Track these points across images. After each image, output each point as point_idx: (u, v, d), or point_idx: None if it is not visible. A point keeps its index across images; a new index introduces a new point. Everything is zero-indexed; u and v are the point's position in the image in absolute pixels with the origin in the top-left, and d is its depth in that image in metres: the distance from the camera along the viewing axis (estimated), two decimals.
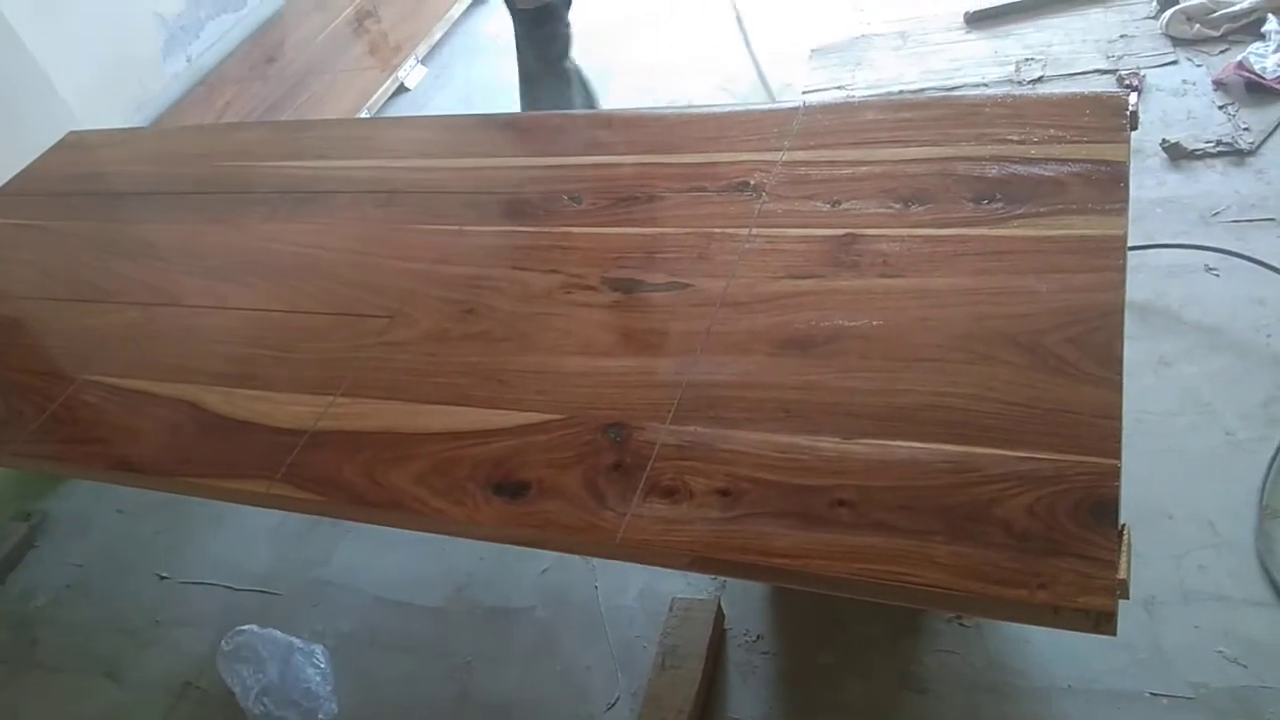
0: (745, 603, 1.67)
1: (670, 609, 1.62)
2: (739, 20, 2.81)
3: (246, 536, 2.04)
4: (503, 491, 1.16)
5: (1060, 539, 0.96)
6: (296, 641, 1.76)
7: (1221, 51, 2.52)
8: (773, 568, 1.03)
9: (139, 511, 2.18)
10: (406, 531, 1.26)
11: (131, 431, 1.43)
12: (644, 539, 1.07)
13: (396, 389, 1.35)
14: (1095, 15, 2.80)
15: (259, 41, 3.99)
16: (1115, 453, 1.02)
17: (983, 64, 2.74)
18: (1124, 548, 0.94)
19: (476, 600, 1.80)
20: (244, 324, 1.56)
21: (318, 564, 1.95)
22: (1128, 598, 0.91)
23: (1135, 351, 1.81)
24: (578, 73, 2.54)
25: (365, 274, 1.59)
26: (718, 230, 1.46)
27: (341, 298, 1.55)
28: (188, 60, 3.81)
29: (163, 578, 2.03)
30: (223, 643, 1.76)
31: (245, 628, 1.77)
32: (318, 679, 1.72)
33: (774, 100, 2.80)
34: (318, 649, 1.76)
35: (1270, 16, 2.51)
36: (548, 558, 1.79)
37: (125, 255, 1.83)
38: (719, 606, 1.62)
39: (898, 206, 1.40)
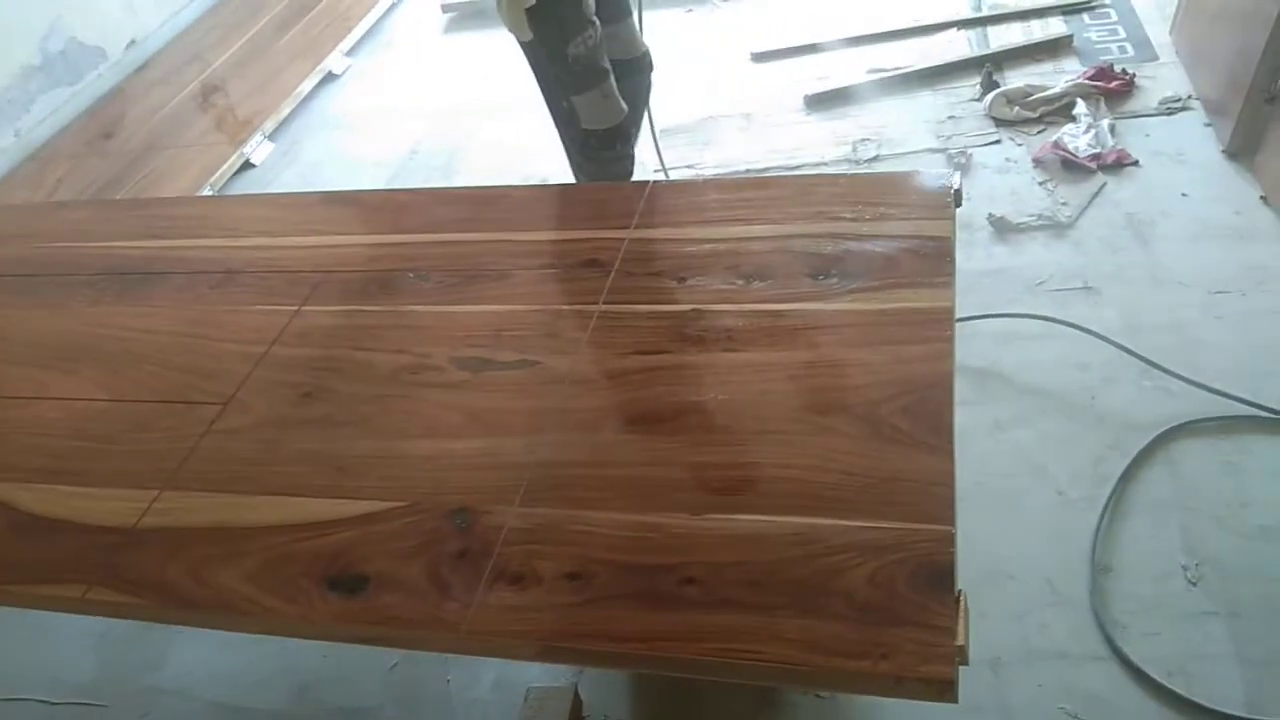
0: (604, 686, 1.63)
1: (525, 699, 1.57)
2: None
3: (68, 643, 1.88)
4: (339, 587, 1.10)
5: (900, 608, 0.97)
6: None
7: (1039, 131, 2.70)
8: (622, 654, 1.01)
9: None
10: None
11: None
12: (490, 630, 1.04)
13: (228, 481, 1.28)
14: (925, 98, 2.97)
15: (96, 116, 3.82)
16: (949, 519, 1.05)
17: (823, 144, 2.87)
18: (961, 614, 0.96)
19: (321, 701, 1.70)
20: (64, 415, 1.46)
21: (148, 669, 1.81)
22: (967, 663, 0.93)
23: (970, 416, 1.89)
24: None
25: (197, 358, 1.51)
26: (566, 307, 1.46)
27: (171, 384, 1.47)
28: (16, 134, 3.62)
29: None
30: None
31: None
32: None
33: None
34: None
35: (1079, 100, 2.72)
36: (396, 652, 1.72)
37: None
38: (575, 693, 1.58)
39: (740, 282, 1.43)
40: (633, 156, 2.27)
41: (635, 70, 2.30)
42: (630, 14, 2.22)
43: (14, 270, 1.84)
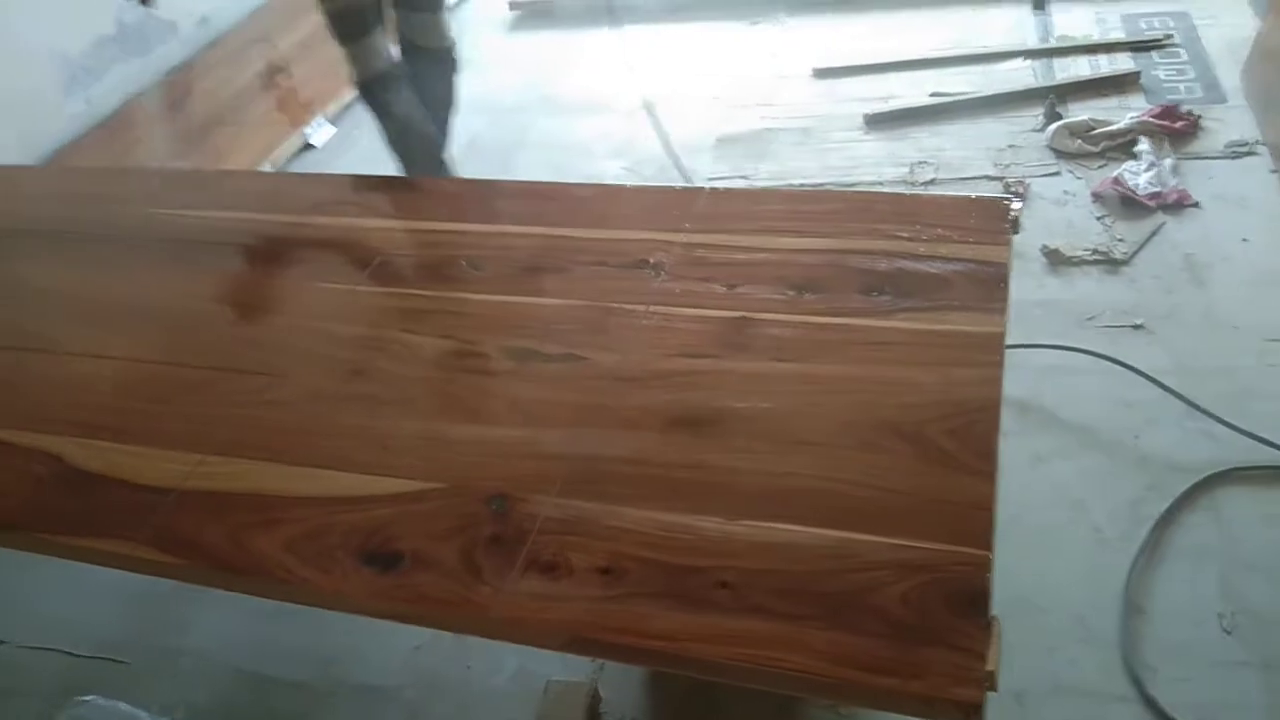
0: (623, 685, 1.63)
1: (544, 691, 1.58)
2: (650, 111, 2.87)
3: (98, 599, 1.92)
4: (374, 562, 1.11)
5: (932, 629, 0.96)
6: (143, 715, 1.65)
7: (1100, 166, 2.68)
8: (649, 650, 1.01)
9: None
10: (273, 601, 1.20)
11: None
12: (520, 616, 1.05)
13: (272, 450, 1.30)
14: (986, 125, 2.96)
15: (165, 89, 3.89)
16: (988, 544, 1.04)
17: (879, 164, 2.86)
18: (994, 639, 0.96)
19: (343, 677, 1.72)
20: (119, 374, 1.49)
21: (174, 631, 1.84)
22: (996, 690, 0.92)
23: (1011, 447, 1.86)
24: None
25: (251, 329, 1.54)
26: (615, 305, 1.47)
27: (224, 352, 1.49)
28: (87, 102, 3.69)
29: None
30: (59, 714, 1.64)
31: (87, 698, 1.66)
32: None
33: (689, 183, 2.84)
34: None
35: (1142, 138, 2.69)
36: (421, 634, 1.73)
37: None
38: (595, 689, 1.58)
39: (791, 293, 1.43)
40: (403, 120, 2.43)
41: (435, 60, 2.56)
42: (438, 10, 2.49)
43: (81, 230, 1.88)
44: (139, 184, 2.10)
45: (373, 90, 2.39)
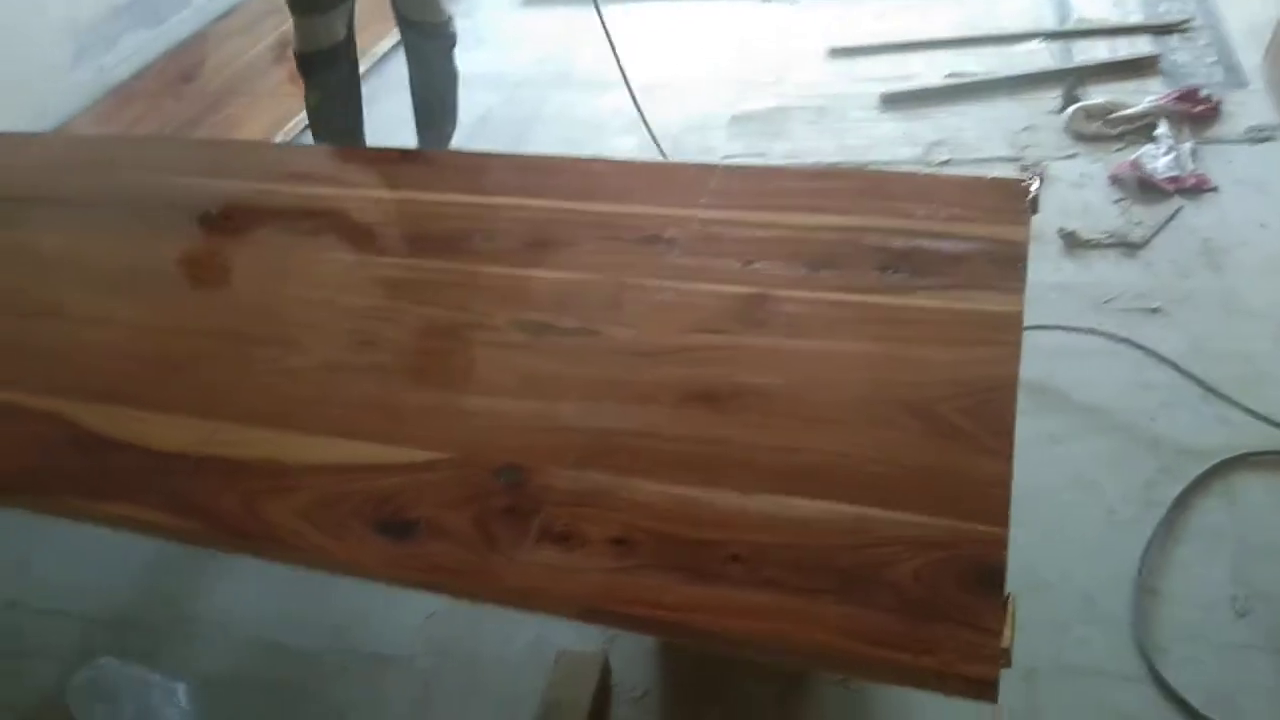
0: (634, 657, 1.64)
1: (556, 661, 1.58)
2: (626, 81, 2.84)
3: (112, 564, 1.93)
4: (388, 530, 1.12)
5: (946, 605, 0.96)
6: (157, 678, 1.66)
7: (1118, 150, 2.65)
8: (662, 621, 1.01)
9: None
10: (286, 569, 1.20)
11: None
12: (533, 585, 1.04)
13: (285, 418, 1.30)
14: (1003, 106, 2.93)
15: (176, 59, 3.89)
16: (1003, 521, 1.03)
17: (895, 144, 2.84)
18: (1009, 617, 0.95)
19: (355, 645, 1.73)
20: (130, 340, 1.49)
21: (188, 598, 1.85)
22: (1010, 666, 0.92)
23: (1025, 428, 1.84)
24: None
25: (263, 298, 1.53)
26: (630, 280, 1.46)
27: (236, 320, 1.49)
28: (98, 71, 3.69)
29: (13, 604, 1.91)
30: (75, 677, 1.65)
31: (101, 661, 1.67)
32: (177, 719, 1.62)
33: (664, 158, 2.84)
34: (180, 687, 1.66)
35: (1161, 122, 2.67)
36: (433, 604, 1.73)
37: (8, 261, 1.73)
38: (606, 660, 1.59)
39: (806, 270, 1.42)
40: (336, 98, 2.45)
41: (425, 34, 2.54)
42: None
43: (92, 197, 1.87)
44: (150, 152, 2.09)
45: (311, 65, 2.38)
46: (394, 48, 3.63)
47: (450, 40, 2.60)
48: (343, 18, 2.35)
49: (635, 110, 2.79)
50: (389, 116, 3.21)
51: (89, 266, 1.68)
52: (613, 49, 2.70)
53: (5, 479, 1.30)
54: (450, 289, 1.49)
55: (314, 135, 2.57)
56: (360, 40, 2.68)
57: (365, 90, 3.50)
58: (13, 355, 1.50)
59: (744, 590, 1.01)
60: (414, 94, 2.76)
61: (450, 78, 2.69)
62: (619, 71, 2.74)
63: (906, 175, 1.62)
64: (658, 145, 2.82)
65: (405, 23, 2.57)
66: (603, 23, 2.63)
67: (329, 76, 2.40)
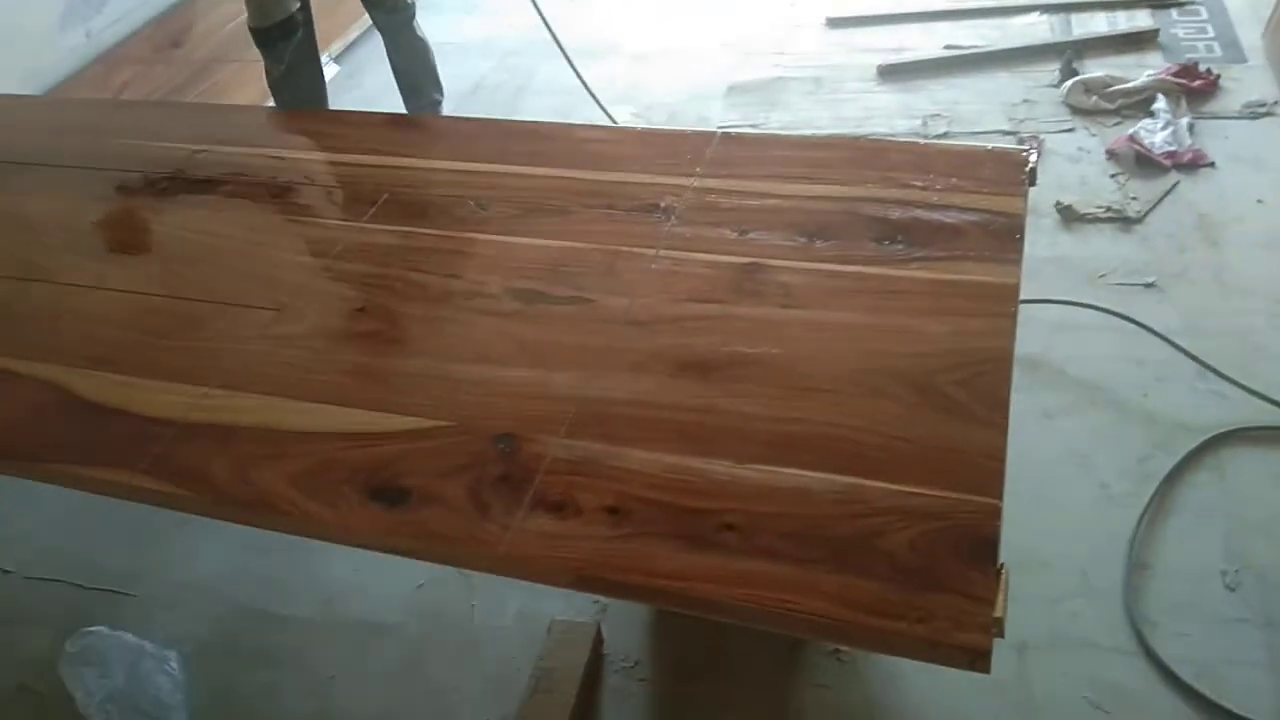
0: (626, 628, 1.64)
1: (549, 630, 1.58)
2: (559, 44, 2.83)
3: (105, 532, 1.92)
4: (381, 497, 1.11)
5: (940, 575, 0.96)
6: (148, 646, 1.66)
7: (1115, 124, 2.64)
8: (656, 589, 1.01)
9: None
10: (278, 536, 1.20)
11: None
12: (527, 553, 1.04)
13: (278, 384, 1.29)
14: (1001, 79, 2.91)
15: (164, 24, 3.83)
16: (997, 493, 1.03)
17: (892, 115, 2.82)
18: (1001, 587, 0.95)
19: (346, 613, 1.73)
20: (120, 307, 1.48)
21: (180, 565, 1.85)
22: (1003, 636, 0.92)
23: (1019, 402, 1.83)
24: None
25: (254, 264, 1.52)
26: (624, 249, 1.45)
27: (227, 286, 1.48)
28: (86, 35, 3.64)
29: (6, 572, 1.90)
30: (67, 644, 1.65)
31: (93, 629, 1.67)
32: (169, 686, 1.62)
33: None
34: (171, 655, 1.66)
35: (1159, 96, 2.65)
36: (423, 572, 1.73)
37: None
38: (598, 630, 1.59)
39: (802, 240, 1.41)
40: (297, 68, 2.41)
41: (381, 6, 2.58)
42: None
43: (79, 162, 1.85)
44: (139, 116, 2.07)
45: (268, 38, 2.36)
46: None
47: (409, 12, 2.63)
48: None
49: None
50: (380, 81, 3.18)
51: (79, 232, 1.67)
52: (540, 14, 2.76)
53: None
54: (443, 256, 1.48)
55: (279, 107, 2.55)
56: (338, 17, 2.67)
57: (356, 57, 3.47)
58: (4, 320, 1.49)
59: (738, 559, 1.00)
60: (393, 70, 2.79)
61: (419, 49, 2.72)
62: (553, 37, 2.79)
63: (904, 145, 1.60)
64: (606, 112, 2.83)
65: (365, 1, 2.62)
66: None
67: (285, 48, 2.39)
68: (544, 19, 2.75)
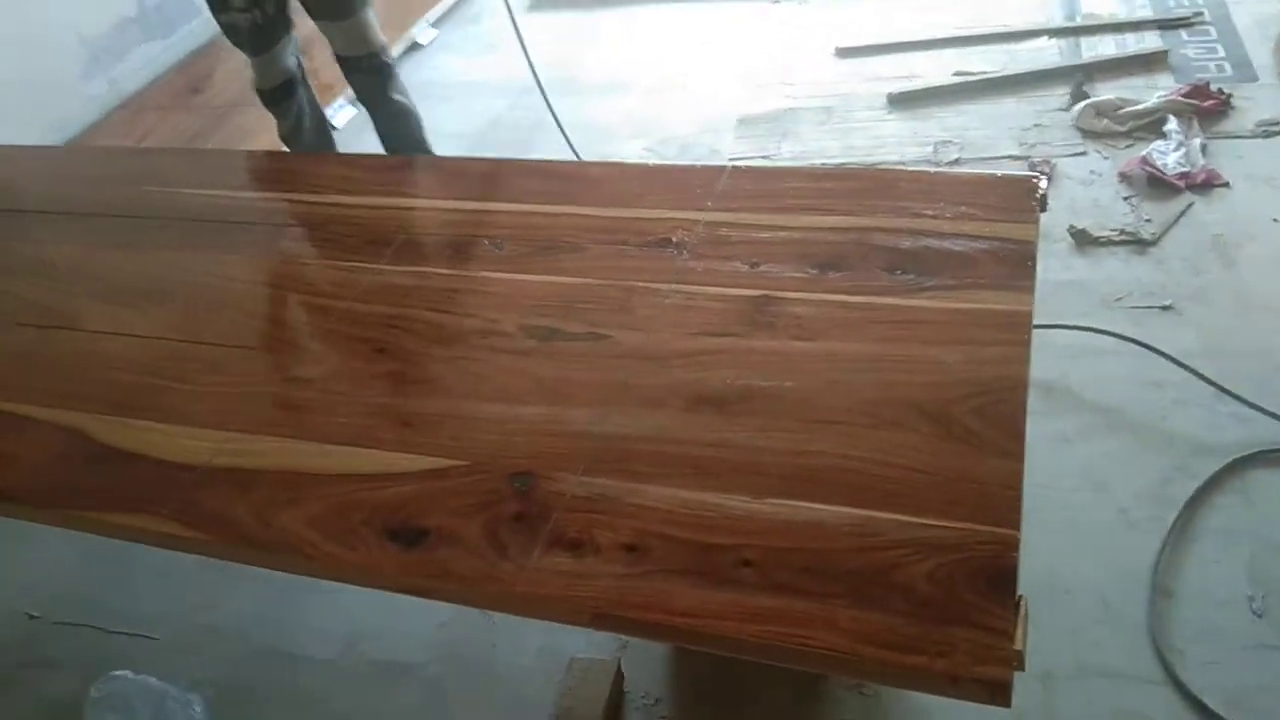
0: (647, 664, 1.63)
1: (569, 668, 1.58)
2: (538, 81, 2.81)
3: (128, 576, 1.94)
4: (399, 538, 1.12)
5: (959, 607, 0.96)
6: (172, 689, 1.66)
7: (1127, 146, 2.64)
8: (674, 627, 1.01)
9: (8, 543, 2.05)
10: (300, 578, 1.21)
11: (9, 458, 1.35)
12: (544, 592, 1.05)
13: (297, 427, 1.30)
14: (1010, 104, 2.92)
15: (186, 71, 3.91)
16: (1015, 523, 1.03)
17: (903, 143, 2.83)
18: (1021, 619, 0.95)
19: (367, 653, 1.73)
20: (142, 352, 1.50)
21: (203, 608, 1.86)
22: (1024, 669, 0.92)
23: (1036, 428, 1.83)
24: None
25: (274, 307, 1.54)
26: (638, 284, 1.46)
27: (247, 330, 1.50)
28: (109, 83, 3.71)
29: (32, 617, 1.92)
30: (92, 689, 1.66)
31: (118, 673, 1.67)
32: None
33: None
34: (195, 698, 1.66)
35: (1171, 117, 2.65)
36: (444, 612, 1.74)
37: (22, 274, 1.75)
38: (619, 667, 1.59)
39: (814, 272, 1.42)
40: (302, 130, 2.51)
41: (354, 68, 2.48)
42: (356, 13, 2.37)
43: (104, 210, 1.89)
44: (161, 164, 2.10)
45: (272, 98, 2.44)
46: None
47: (385, 73, 2.50)
48: (286, 50, 2.40)
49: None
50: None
51: (101, 279, 1.69)
52: (524, 49, 2.73)
53: (19, 491, 1.31)
54: (460, 295, 1.50)
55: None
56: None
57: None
58: (26, 367, 1.51)
59: (755, 595, 1.00)
60: (379, 137, 2.66)
61: (399, 114, 2.57)
62: (531, 72, 2.79)
63: (914, 174, 1.61)
64: (573, 148, 2.82)
65: (340, 61, 2.49)
66: (514, 21, 2.68)
67: (291, 105, 2.48)
68: (526, 53, 2.73)
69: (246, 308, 1.55)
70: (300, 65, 2.48)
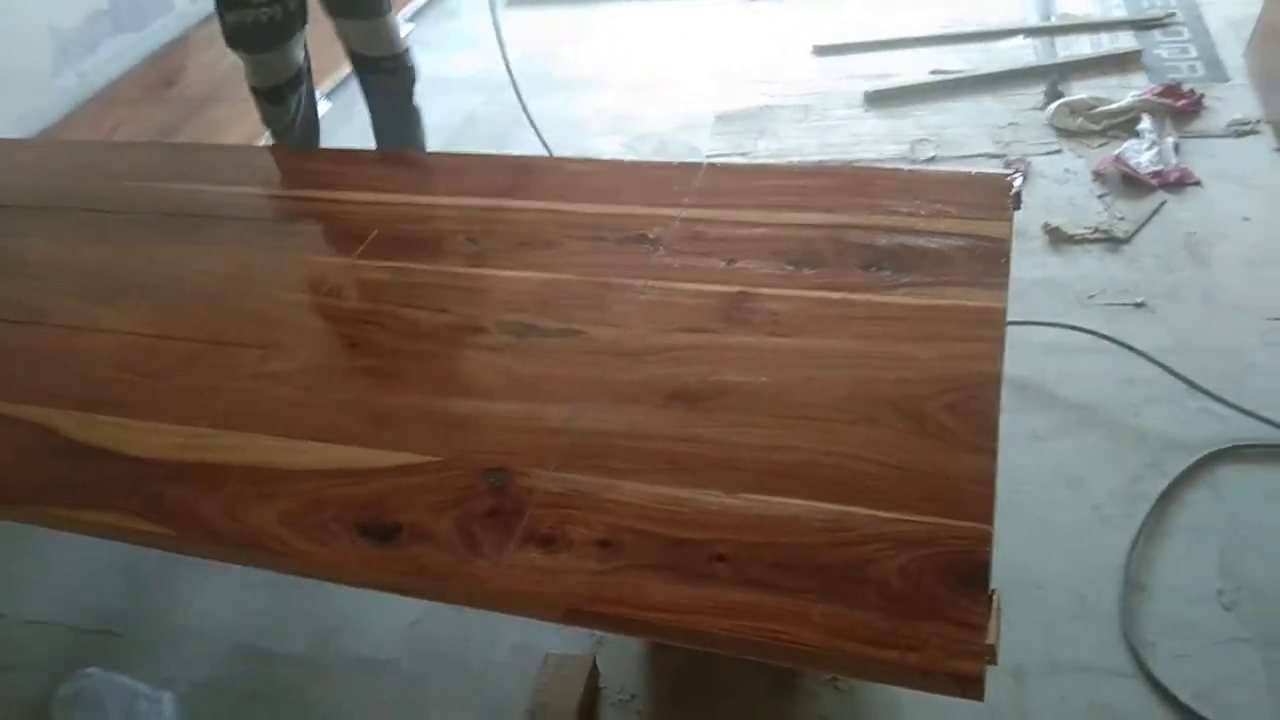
0: (622, 660, 1.63)
1: (543, 664, 1.57)
2: (512, 78, 2.81)
3: (99, 574, 1.91)
4: (371, 534, 1.11)
5: (931, 602, 0.96)
6: (143, 687, 1.64)
7: (1101, 145, 2.66)
8: (648, 622, 1.00)
9: None
10: (273, 574, 1.19)
11: None
12: (518, 588, 1.04)
13: (269, 422, 1.29)
14: (987, 103, 2.94)
15: (158, 64, 3.86)
16: (988, 518, 1.03)
17: (880, 141, 2.84)
18: (994, 613, 0.95)
19: (341, 650, 1.72)
20: (113, 347, 1.48)
21: (174, 605, 1.84)
22: (996, 663, 0.92)
23: (1010, 424, 1.83)
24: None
25: (247, 302, 1.53)
26: (614, 280, 1.46)
27: (219, 325, 1.48)
28: (79, 76, 3.67)
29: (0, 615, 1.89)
30: (61, 687, 1.64)
31: (87, 671, 1.65)
32: None
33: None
34: (165, 696, 1.65)
35: (1144, 117, 2.68)
36: (418, 608, 1.72)
37: None
38: (594, 663, 1.58)
39: (790, 268, 1.42)
40: (297, 123, 2.40)
41: (375, 68, 2.38)
42: (383, 13, 2.30)
43: (73, 203, 1.86)
44: (132, 157, 2.08)
45: (277, 95, 2.32)
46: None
47: (410, 75, 2.41)
48: (299, 44, 2.29)
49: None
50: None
51: (70, 273, 1.67)
52: (500, 44, 2.71)
53: None
54: (434, 291, 1.49)
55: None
56: (329, 54, 2.61)
57: (348, 94, 3.50)
58: None
59: (729, 589, 1.00)
60: (377, 140, 2.57)
61: (412, 120, 2.50)
62: (506, 67, 2.78)
63: (890, 172, 1.61)
64: (545, 145, 2.83)
65: (357, 60, 2.39)
66: (495, 16, 2.66)
67: (295, 99, 2.35)
68: (502, 48, 2.72)
69: (219, 302, 1.54)
70: (307, 57, 2.38)
